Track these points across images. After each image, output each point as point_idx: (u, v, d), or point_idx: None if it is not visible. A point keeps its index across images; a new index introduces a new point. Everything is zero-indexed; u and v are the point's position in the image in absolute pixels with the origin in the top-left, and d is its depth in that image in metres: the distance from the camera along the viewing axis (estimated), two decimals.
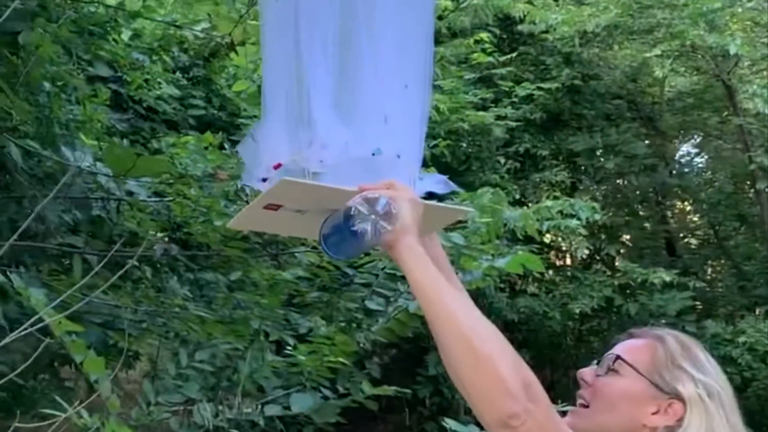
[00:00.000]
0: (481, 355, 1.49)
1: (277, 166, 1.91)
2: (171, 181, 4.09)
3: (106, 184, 4.37)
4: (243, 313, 4.96)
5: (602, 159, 10.97)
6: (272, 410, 4.24)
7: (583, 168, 11.17)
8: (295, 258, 5.44)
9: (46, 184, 4.50)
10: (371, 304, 5.90)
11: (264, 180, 1.95)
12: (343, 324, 5.35)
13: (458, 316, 1.55)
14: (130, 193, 4.29)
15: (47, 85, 4.36)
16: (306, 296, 5.38)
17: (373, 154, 1.88)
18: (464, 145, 9.38)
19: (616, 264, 10.88)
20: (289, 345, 5.74)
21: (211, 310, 4.87)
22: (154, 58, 5.99)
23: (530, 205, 7.41)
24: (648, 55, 9.75)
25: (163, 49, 6.09)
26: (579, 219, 7.27)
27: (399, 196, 1.69)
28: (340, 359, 5.40)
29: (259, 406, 4.19)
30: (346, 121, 1.90)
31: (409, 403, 9.03)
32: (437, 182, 1.99)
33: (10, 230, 4.94)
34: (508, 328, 10.19)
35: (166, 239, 4.34)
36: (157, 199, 4.55)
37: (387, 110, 1.91)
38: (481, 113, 8.66)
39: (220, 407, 3.90)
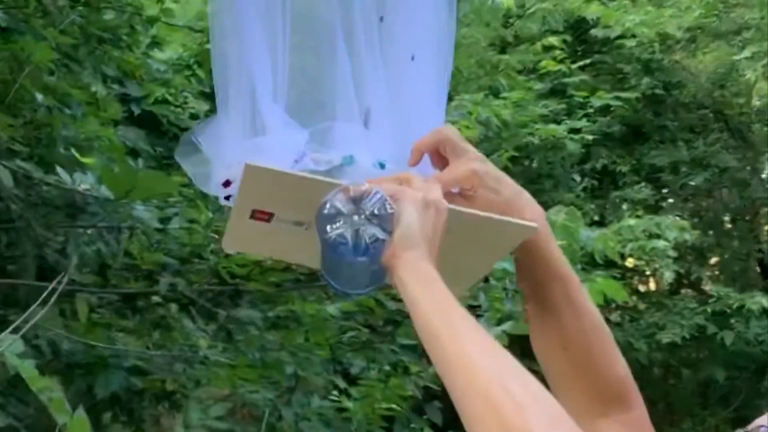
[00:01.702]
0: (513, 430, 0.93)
1: (227, 184, 1.32)
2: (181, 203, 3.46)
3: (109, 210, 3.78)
4: (276, 356, 4.29)
5: (688, 174, 10.09)
6: None
7: (667, 184, 10.30)
8: None
9: (42, 211, 3.92)
10: None
11: (226, 198, 1.34)
12: (398, 364, 4.66)
13: (482, 368, 1.00)
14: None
15: (40, 98, 3.78)
16: (357, 333, 4.70)
17: (343, 165, 1.33)
18: (535, 162, 8.64)
19: (707, 288, 10.02)
20: (339, 388, 5.12)
21: (239, 352, 4.23)
22: (187, 73, 5.39)
23: (610, 225, 6.63)
24: (736, 58, 8.91)
25: (198, 64, 5.50)
26: (666, 240, 6.50)
27: (405, 194, 1.15)
28: (394, 405, 4.74)
29: None
30: (305, 118, 1.36)
31: None
32: None
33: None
34: None
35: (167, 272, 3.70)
36: (176, 226, 3.93)
37: (368, 101, 1.37)
38: (552, 126, 7.90)
39: None
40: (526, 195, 1.28)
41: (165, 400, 4.58)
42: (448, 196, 1.27)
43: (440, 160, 1.30)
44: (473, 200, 1.25)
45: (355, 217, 1.11)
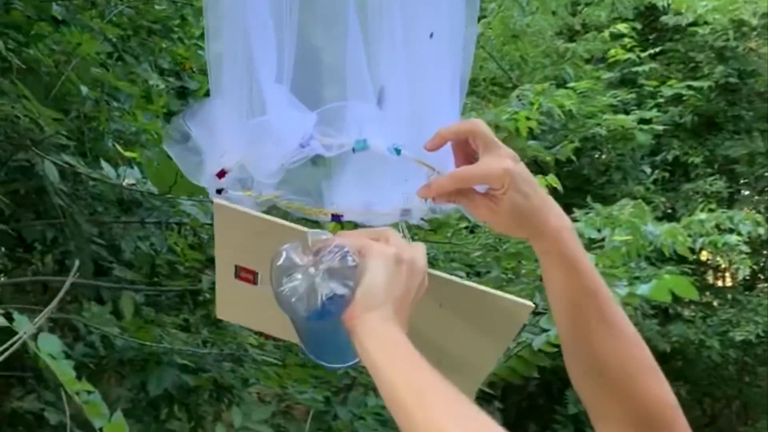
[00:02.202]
0: None
1: (222, 174, 1.20)
2: None
3: (160, 204, 3.69)
4: None
5: (764, 165, 9.70)
6: None
7: (742, 176, 9.93)
8: None
9: (86, 206, 3.84)
10: None
11: (218, 191, 1.22)
12: None
13: None
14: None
15: (85, 90, 3.69)
16: None
17: (354, 149, 1.21)
18: (603, 153, 8.37)
19: None
20: None
21: (289, 351, 4.11)
22: None
23: (682, 219, 6.37)
24: None
25: None
26: (740, 234, 6.21)
27: (373, 248, 1.04)
28: None
29: None
30: (314, 100, 1.23)
31: None
32: None
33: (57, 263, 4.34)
34: (660, 359, 9.09)
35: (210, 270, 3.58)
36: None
37: (382, 77, 1.24)
38: (621, 117, 7.63)
39: None
40: (554, 203, 1.17)
41: (224, 396, 4.50)
42: (473, 194, 1.17)
43: (464, 153, 1.18)
44: (499, 202, 1.14)
45: (311, 270, 0.99)
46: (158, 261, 3.76)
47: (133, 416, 4.99)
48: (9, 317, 2.80)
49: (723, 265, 10.26)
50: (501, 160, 1.13)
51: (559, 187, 4.36)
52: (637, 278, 4.67)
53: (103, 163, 3.61)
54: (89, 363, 4.11)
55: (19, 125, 3.46)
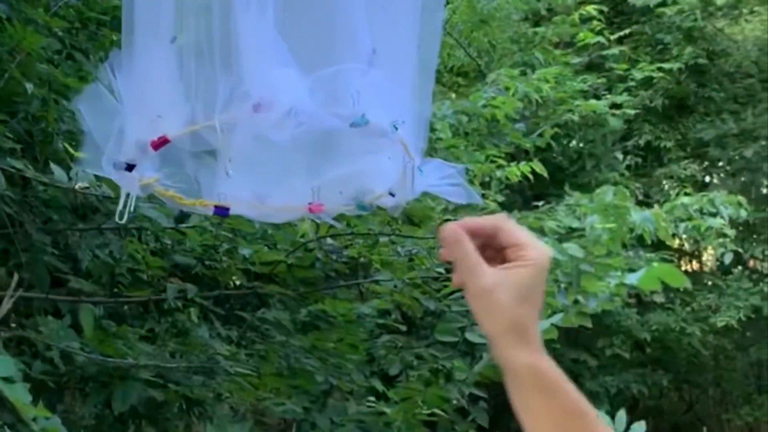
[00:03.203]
0: None
1: (160, 143, 1.01)
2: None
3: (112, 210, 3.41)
4: (306, 362, 3.90)
5: (737, 147, 9.57)
6: None
7: (715, 159, 9.80)
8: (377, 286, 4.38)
9: (38, 214, 3.56)
10: (473, 337, 4.82)
11: (128, 168, 1.04)
12: (438, 370, 4.26)
13: None
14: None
15: (30, 87, 3.40)
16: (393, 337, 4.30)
17: (354, 125, 1.03)
18: (575, 140, 8.18)
19: (762, 268, 9.53)
20: (378, 391, 4.75)
21: (264, 360, 3.85)
22: None
23: (657, 205, 6.19)
24: None
25: None
26: (722, 217, 6.04)
27: None
28: (436, 408, 4.35)
29: None
30: (304, 59, 1.02)
31: None
32: (443, 175, 1.16)
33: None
34: (639, 347, 8.99)
35: (175, 277, 3.31)
36: (189, 225, 3.54)
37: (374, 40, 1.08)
38: (593, 102, 7.44)
39: None
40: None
41: (192, 409, 4.26)
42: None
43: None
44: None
45: None
46: (118, 270, 3.47)
47: None
48: None
49: (697, 251, 10.15)
50: (545, 249, 1.02)
51: (545, 173, 4.16)
52: (629, 268, 4.49)
53: (53, 166, 3.33)
54: (49, 381, 3.85)
55: None
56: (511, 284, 0.97)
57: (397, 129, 1.04)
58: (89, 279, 3.84)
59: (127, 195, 1.09)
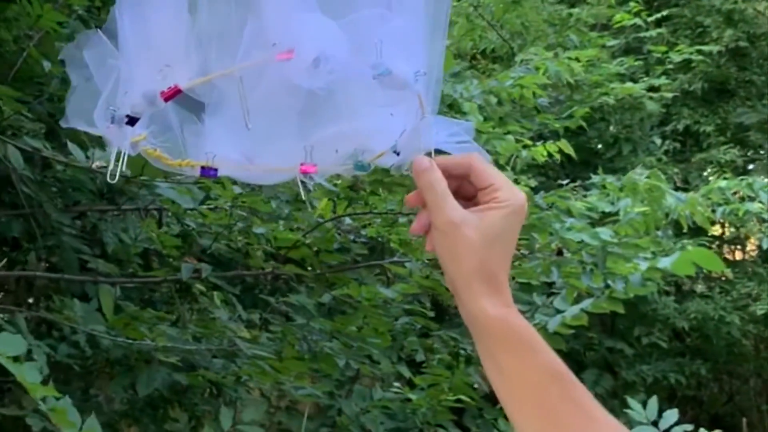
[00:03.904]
0: None
1: (172, 94, 0.93)
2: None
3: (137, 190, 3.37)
4: (329, 346, 3.83)
5: None
6: None
7: (755, 144, 9.59)
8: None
9: (58, 194, 3.53)
10: None
11: (129, 122, 0.95)
12: (459, 354, 4.17)
13: None
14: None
15: (48, 66, 3.35)
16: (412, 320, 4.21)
17: (377, 75, 0.96)
18: (611, 124, 8.03)
19: None
20: (403, 377, 4.68)
21: (286, 344, 3.79)
22: None
23: (699, 189, 6.05)
24: None
25: None
26: (761, 202, 5.89)
27: None
28: (462, 395, 4.27)
29: None
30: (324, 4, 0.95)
31: None
32: (450, 132, 1.05)
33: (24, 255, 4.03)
34: (678, 337, 8.83)
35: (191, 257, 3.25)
36: (210, 205, 3.49)
37: None
38: (629, 85, 7.29)
39: None
40: None
41: (221, 394, 4.23)
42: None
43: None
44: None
45: None
46: (134, 250, 3.43)
47: (131, 417, 4.72)
48: None
49: (739, 239, 9.95)
50: (520, 193, 0.95)
51: (572, 153, 4.05)
52: (654, 254, 4.37)
53: (71, 146, 3.29)
54: (74, 365, 3.84)
55: None
56: (481, 224, 0.89)
57: (418, 81, 0.97)
58: (113, 262, 3.81)
59: (118, 153, 1.02)
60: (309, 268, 3.76)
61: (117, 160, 0.97)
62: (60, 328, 3.86)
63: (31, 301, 4.27)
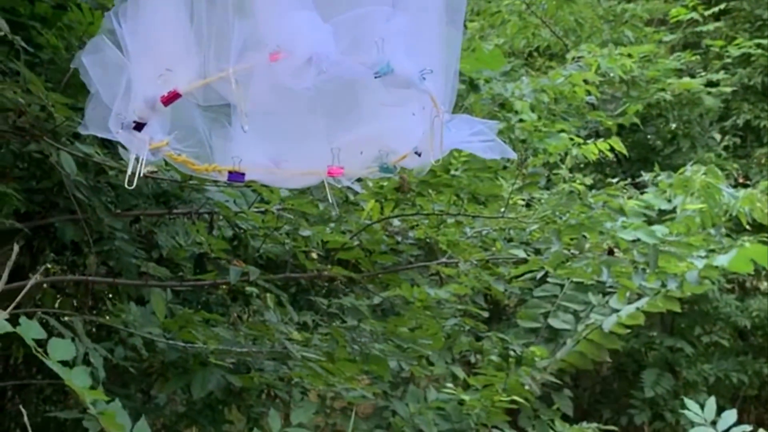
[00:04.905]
0: None
1: (171, 98, 0.97)
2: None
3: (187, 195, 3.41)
4: (381, 347, 3.83)
5: None
6: None
7: None
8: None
9: (112, 200, 3.57)
10: (555, 323, 4.70)
11: (137, 127, 1.01)
12: (509, 355, 4.15)
13: None
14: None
15: None
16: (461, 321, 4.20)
17: (378, 74, 0.94)
18: (669, 120, 7.89)
19: None
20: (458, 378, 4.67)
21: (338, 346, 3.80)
22: None
23: (757, 185, 5.92)
24: None
25: None
26: None
27: None
28: (516, 396, 4.25)
29: None
30: (323, 2, 0.95)
31: (626, 430, 7.65)
32: (474, 131, 1.06)
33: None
34: (740, 335, 8.64)
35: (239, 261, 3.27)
36: (260, 209, 3.51)
37: None
38: (687, 80, 7.16)
39: None
40: None
41: (277, 396, 4.26)
42: None
43: None
44: None
45: None
46: (183, 254, 3.46)
47: (190, 418, 4.77)
48: (14, 321, 2.54)
49: None
50: None
51: (624, 150, 3.99)
52: (712, 251, 4.29)
53: (122, 151, 3.32)
54: (130, 368, 3.89)
55: (29, 114, 3.20)
56: None
57: (425, 79, 0.95)
58: (167, 265, 3.85)
59: (137, 159, 1.02)
60: (361, 271, 3.77)
61: (134, 167, 0.97)
62: (117, 331, 3.92)
63: (89, 304, 4.34)
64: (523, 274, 3.86)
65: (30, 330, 2.52)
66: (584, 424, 4.63)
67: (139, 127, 0.94)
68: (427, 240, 3.52)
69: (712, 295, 7.62)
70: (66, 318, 3.54)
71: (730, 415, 3.16)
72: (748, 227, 5.95)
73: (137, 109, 0.93)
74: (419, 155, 1.03)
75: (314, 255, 3.86)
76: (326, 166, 1.03)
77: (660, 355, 8.01)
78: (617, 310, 4.55)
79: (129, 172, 0.99)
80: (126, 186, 1.00)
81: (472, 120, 1.07)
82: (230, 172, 1.01)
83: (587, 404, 7.62)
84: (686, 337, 8.09)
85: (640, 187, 5.17)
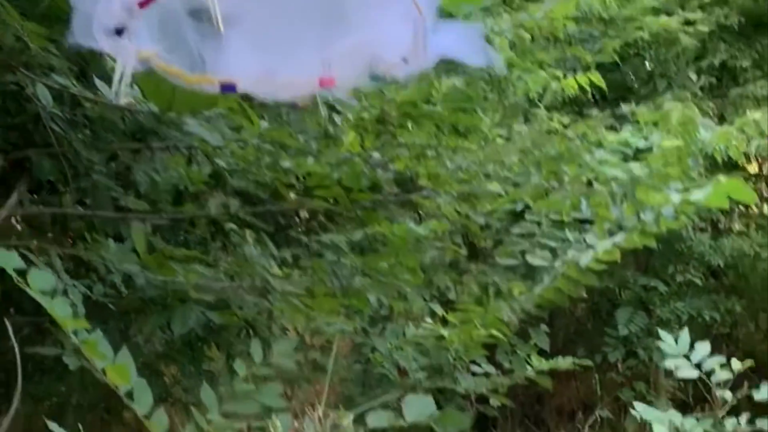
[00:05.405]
0: None
1: (147, 1, 0.98)
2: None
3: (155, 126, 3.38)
4: (361, 282, 3.85)
5: None
6: (378, 420, 3.06)
7: None
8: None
9: (87, 136, 3.55)
10: (534, 260, 4.72)
11: (118, 32, 1.00)
12: (488, 287, 4.18)
13: None
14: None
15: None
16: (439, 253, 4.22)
17: None
18: (646, 59, 7.89)
19: None
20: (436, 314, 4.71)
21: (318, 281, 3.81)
22: None
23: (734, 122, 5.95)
24: None
25: None
26: None
27: None
28: (494, 331, 4.28)
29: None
30: None
31: (599, 368, 7.76)
32: (460, 37, 1.00)
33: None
34: (713, 274, 8.75)
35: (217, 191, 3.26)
36: (236, 137, 3.47)
37: None
38: (663, 19, 7.14)
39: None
40: None
41: (256, 334, 4.27)
42: None
43: None
44: None
45: None
46: (162, 187, 3.45)
47: (169, 357, 4.78)
48: None
49: None
50: None
51: (603, 85, 4.00)
52: (688, 190, 4.32)
53: (99, 83, 3.29)
54: (109, 304, 3.89)
55: (4, 45, 3.16)
56: None
57: None
58: (144, 198, 3.83)
59: (122, 69, 1.01)
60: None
61: (120, 78, 0.96)
62: (96, 268, 3.91)
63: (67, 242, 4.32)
64: (501, 207, 3.87)
65: (9, 260, 2.51)
66: (559, 358, 4.70)
67: (119, 32, 0.92)
68: (409, 174, 3.52)
69: (686, 234, 7.69)
70: (44, 254, 3.52)
71: (704, 347, 3.22)
72: (722, 166, 5.99)
73: (115, 13, 0.91)
74: (407, 63, 1.02)
75: (292, 195, 3.86)
76: (317, 76, 1.02)
77: (634, 294, 8.10)
78: (592, 246, 4.55)
79: (115, 83, 0.98)
80: (112, 100, 0.99)
81: (458, 25, 1.06)
82: (222, 84, 0.99)
83: (562, 344, 7.72)
84: (660, 275, 8.19)
85: (619, 119, 5.19)
